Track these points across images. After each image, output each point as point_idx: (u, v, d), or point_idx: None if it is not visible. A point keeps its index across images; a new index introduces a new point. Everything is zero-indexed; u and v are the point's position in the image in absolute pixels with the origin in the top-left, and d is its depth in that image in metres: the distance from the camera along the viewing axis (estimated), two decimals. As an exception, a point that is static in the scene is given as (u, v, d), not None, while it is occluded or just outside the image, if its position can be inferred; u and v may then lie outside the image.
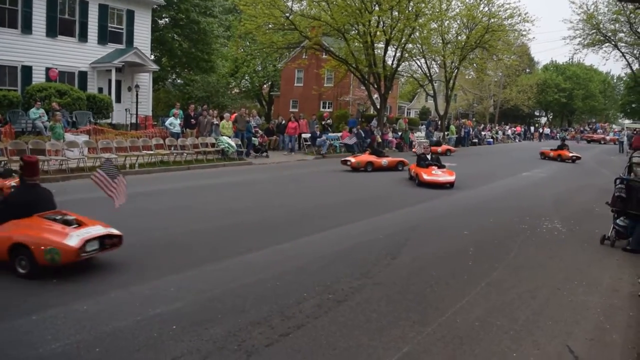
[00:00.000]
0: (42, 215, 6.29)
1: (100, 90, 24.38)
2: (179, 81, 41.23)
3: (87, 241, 5.95)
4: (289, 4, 27.84)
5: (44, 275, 5.87)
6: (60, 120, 15.80)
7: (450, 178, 14.36)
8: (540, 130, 54.70)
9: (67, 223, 6.22)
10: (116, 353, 4.17)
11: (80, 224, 6.27)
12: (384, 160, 18.72)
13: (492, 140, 41.83)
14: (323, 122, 26.56)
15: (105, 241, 6.24)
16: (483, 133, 42.03)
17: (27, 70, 21.95)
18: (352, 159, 18.33)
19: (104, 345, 4.27)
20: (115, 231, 6.39)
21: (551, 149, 26.23)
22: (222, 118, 21.34)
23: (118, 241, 6.40)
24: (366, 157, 18.71)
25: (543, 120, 75.16)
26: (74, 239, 5.87)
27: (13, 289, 5.50)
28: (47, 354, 4.10)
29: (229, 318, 4.91)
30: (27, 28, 21.71)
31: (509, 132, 48.67)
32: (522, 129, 52.97)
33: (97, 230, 6.24)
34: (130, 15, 25.64)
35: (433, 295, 5.81)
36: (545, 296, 5.96)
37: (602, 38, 37.21)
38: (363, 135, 26.86)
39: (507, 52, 38.55)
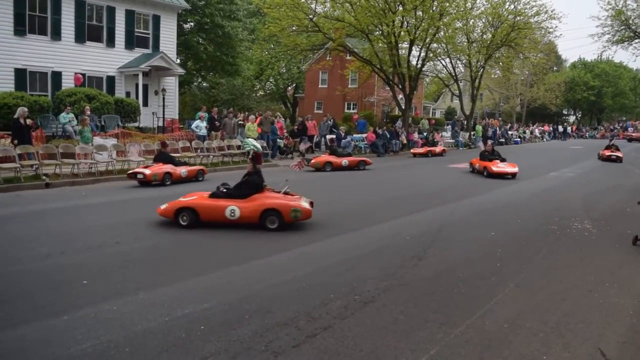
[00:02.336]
0: (269, 190, 9.15)
1: (127, 94, 24.82)
2: (204, 84, 41.75)
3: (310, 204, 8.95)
4: (313, 6, 27.88)
5: (73, 277, 6.00)
6: (88, 124, 16.10)
7: (514, 169, 16.89)
8: (567, 129, 53.76)
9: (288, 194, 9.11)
10: (146, 353, 4.22)
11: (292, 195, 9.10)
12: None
13: (519, 139, 41.26)
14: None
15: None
16: (510, 132, 41.48)
17: (57, 76, 22.47)
18: None
19: (133, 345, 4.33)
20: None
21: None
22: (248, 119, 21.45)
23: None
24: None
25: (572, 119, 73.90)
26: (306, 203, 8.89)
27: (44, 290, 5.62)
28: (78, 354, 4.17)
29: (256, 319, 4.94)
30: (56, 34, 22.22)
31: (537, 131, 47.90)
32: (551, 128, 52.06)
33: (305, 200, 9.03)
34: (156, 20, 26.04)
35: (460, 297, 5.75)
36: (575, 298, 5.85)
37: (631, 34, 36.34)
38: (388, 136, 26.81)
39: (534, 50, 38.07)
